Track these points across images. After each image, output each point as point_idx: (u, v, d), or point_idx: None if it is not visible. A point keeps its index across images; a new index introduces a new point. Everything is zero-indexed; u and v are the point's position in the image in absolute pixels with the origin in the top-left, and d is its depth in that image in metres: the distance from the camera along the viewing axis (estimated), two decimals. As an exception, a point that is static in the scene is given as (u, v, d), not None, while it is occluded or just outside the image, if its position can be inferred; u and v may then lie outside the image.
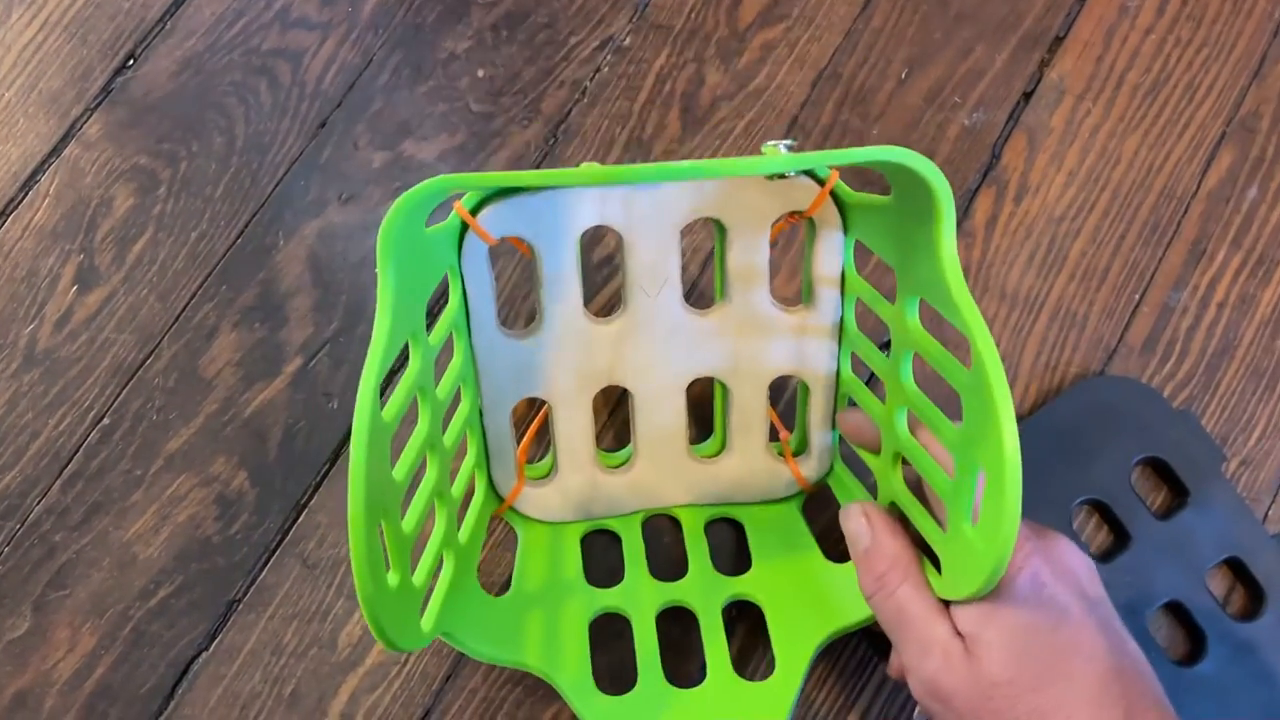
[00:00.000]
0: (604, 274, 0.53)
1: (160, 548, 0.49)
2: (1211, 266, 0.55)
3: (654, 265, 0.44)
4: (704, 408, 0.51)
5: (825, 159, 0.33)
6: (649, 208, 0.43)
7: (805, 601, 0.44)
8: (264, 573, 0.49)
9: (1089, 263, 0.54)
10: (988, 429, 0.33)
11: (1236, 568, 0.49)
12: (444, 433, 0.41)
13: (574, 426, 0.47)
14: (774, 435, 0.49)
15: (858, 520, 0.41)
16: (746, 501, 0.49)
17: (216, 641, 0.48)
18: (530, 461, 0.49)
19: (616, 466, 0.49)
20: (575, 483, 0.48)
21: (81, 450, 0.50)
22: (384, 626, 0.32)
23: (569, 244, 0.43)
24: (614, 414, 0.52)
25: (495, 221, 0.42)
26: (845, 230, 0.44)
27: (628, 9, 0.57)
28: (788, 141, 0.36)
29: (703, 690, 0.42)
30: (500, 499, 0.48)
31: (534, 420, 0.49)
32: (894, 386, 0.41)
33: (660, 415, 0.47)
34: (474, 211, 0.42)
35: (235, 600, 0.49)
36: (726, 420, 0.48)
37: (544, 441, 0.50)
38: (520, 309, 0.53)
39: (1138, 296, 0.54)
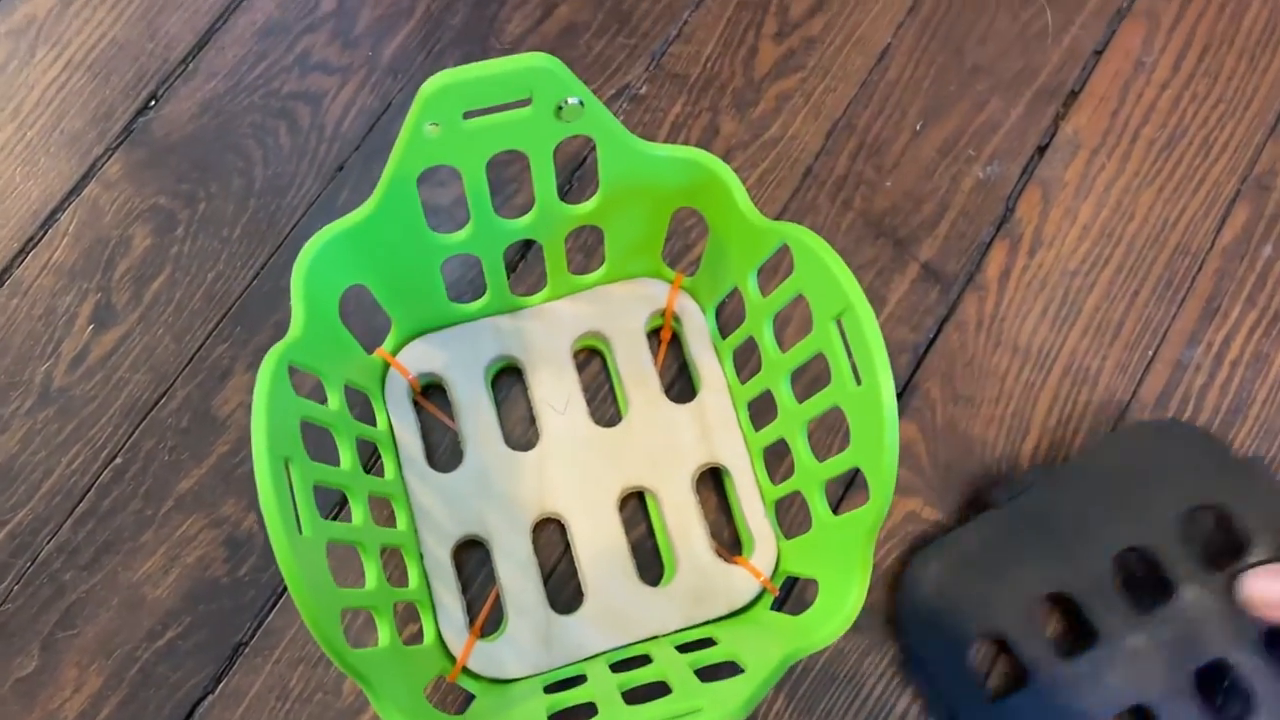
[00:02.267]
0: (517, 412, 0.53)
1: (169, 589, 0.49)
2: (1225, 324, 0.54)
3: (556, 382, 0.50)
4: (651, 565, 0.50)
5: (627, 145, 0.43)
6: (541, 334, 0.51)
7: (774, 638, 0.42)
8: (271, 615, 0.49)
9: (1103, 317, 0.54)
10: (831, 287, 0.38)
11: None
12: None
13: (515, 565, 0.48)
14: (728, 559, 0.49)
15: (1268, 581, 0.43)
16: (713, 618, 0.48)
17: (222, 684, 0.48)
18: (484, 635, 0.48)
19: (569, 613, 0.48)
20: (527, 629, 0.47)
21: (93, 489, 0.50)
22: (297, 575, 0.34)
23: (478, 376, 0.50)
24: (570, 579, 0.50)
25: (412, 359, 0.50)
26: (704, 311, 0.52)
27: (644, 57, 0.58)
28: (575, 100, 0.40)
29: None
30: (451, 659, 0.46)
31: (489, 598, 0.49)
32: (769, 368, 0.46)
33: (599, 541, 0.48)
34: (394, 351, 0.50)
35: (242, 643, 0.49)
36: (666, 533, 0.49)
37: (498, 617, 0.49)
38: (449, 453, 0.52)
39: (1151, 353, 0.54)
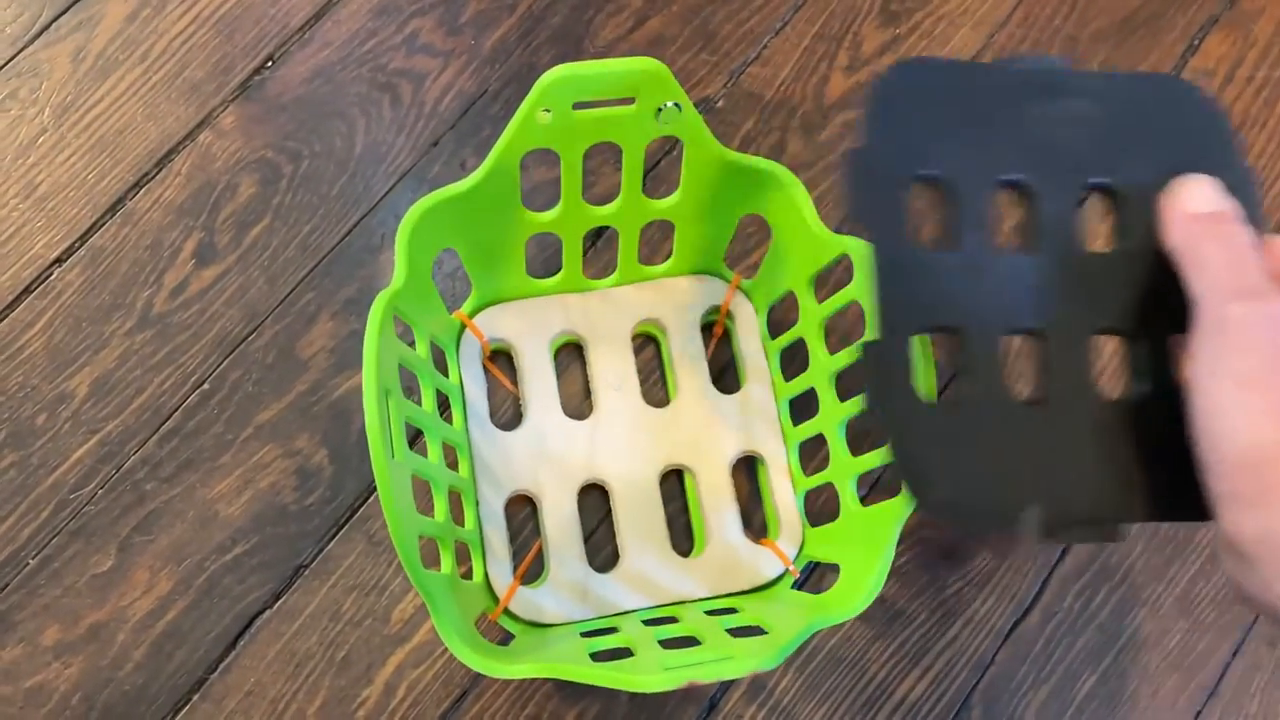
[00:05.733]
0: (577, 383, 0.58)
1: (241, 508, 0.53)
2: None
3: (613, 361, 0.55)
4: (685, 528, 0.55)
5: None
6: (604, 315, 0.55)
7: (796, 611, 0.46)
8: (331, 544, 0.53)
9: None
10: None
11: None
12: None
13: (560, 521, 0.52)
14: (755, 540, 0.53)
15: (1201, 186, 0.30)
16: (737, 591, 0.52)
17: (281, 601, 0.52)
18: (525, 582, 0.52)
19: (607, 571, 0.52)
20: (566, 581, 0.51)
21: (180, 410, 0.55)
22: (392, 492, 0.38)
23: (544, 347, 0.55)
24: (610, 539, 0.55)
25: (486, 324, 0.55)
26: (757, 311, 0.56)
27: (724, 75, 0.62)
28: (674, 104, 0.44)
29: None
30: (495, 599, 0.50)
31: (533, 549, 0.53)
32: (816, 368, 0.50)
33: (638, 509, 0.53)
34: (471, 315, 0.54)
35: (303, 565, 0.53)
36: (700, 510, 0.53)
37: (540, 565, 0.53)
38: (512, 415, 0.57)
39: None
